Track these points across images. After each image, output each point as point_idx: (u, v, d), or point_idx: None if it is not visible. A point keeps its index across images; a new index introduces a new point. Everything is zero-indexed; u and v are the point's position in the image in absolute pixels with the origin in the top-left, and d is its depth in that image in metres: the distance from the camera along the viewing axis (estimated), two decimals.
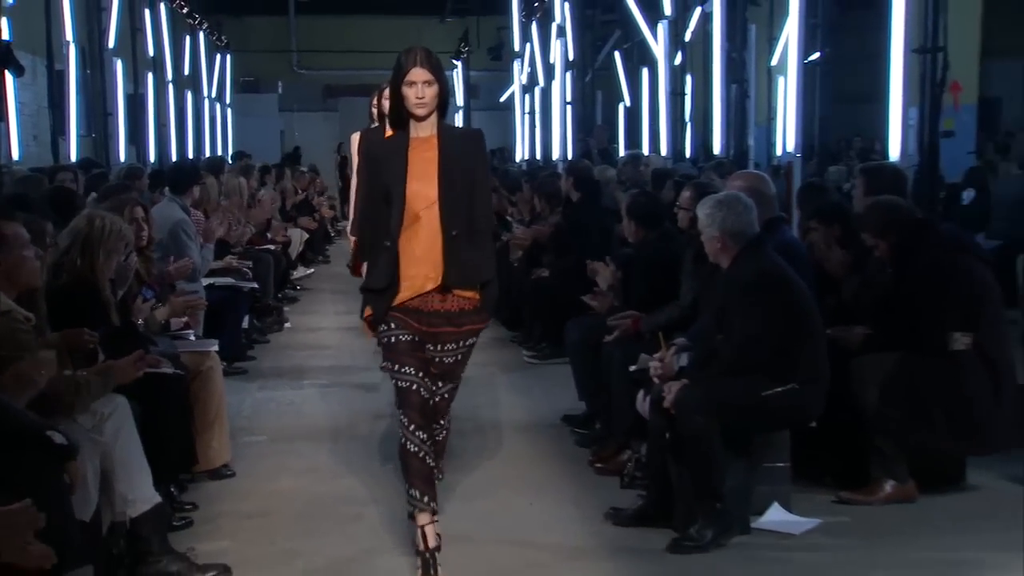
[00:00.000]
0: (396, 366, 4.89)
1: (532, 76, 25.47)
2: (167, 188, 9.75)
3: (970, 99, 15.87)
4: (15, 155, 12.89)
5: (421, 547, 4.81)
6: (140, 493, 4.62)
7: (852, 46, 15.31)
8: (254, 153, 21.93)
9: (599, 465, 6.50)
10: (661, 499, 5.54)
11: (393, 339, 4.90)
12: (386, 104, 5.97)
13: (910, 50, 10.83)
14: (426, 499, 4.82)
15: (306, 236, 15.09)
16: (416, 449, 4.83)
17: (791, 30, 14.12)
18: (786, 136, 15.11)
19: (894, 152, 11.50)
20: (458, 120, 26.12)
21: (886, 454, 5.92)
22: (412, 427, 4.84)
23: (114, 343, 5.16)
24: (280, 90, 32.30)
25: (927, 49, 10.63)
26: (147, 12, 20.84)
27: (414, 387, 4.86)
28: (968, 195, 13.13)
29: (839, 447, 6.03)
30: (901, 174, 7.72)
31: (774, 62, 17.38)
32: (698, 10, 18.23)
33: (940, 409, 5.92)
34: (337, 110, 29.58)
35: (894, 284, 6.16)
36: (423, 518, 4.83)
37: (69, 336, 4.92)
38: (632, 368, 6.15)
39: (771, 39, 17.34)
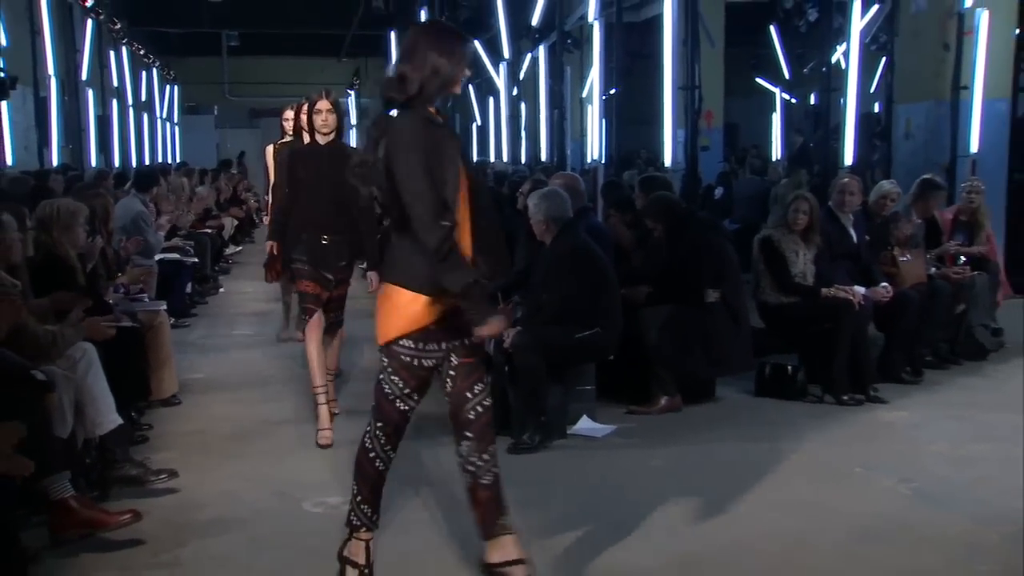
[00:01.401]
0: (401, 384, 3.45)
1: None
2: (132, 186, 9.67)
3: (718, 124, 16.23)
4: (9, 161, 12.73)
5: (361, 561, 3.57)
6: (106, 417, 4.48)
7: (638, 84, 15.47)
8: (195, 160, 21.63)
9: None
10: (502, 415, 5.53)
11: (417, 362, 3.41)
12: (303, 119, 5.77)
13: (677, 88, 11.05)
14: (375, 518, 3.57)
15: (235, 222, 14.86)
16: (381, 466, 3.54)
17: (595, 72, 14.26)
18: (592, 148, 15.28)
19: (667, 161, 11.72)
20: (352, 135, 25.98)
21: (662, 377, 6.03)
22: (384, 441, 3.52)
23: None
24: (215, 112, 31.72)
25: (688, 87, 10.84)
26: (112, 52, 20.48)
27: (404, 408, 3.51)
28: (718, 192, 13.44)
29: (629, 373, 6.09)
30: (667, 181, 7.90)
31: (584, 94, 17.50)
32: (529, 55, 18.31)
33: (698, 344, 6.06)
34: (260, 127, 28.90)
35: (667, 256, 6.27)
36: (366, 534, 3.57)
37: (56, 299, 4.76)
38: None
39: (582, 77, 17.45)
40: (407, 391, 3.46)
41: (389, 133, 3.28)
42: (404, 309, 3.33)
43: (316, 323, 5.55)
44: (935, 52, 10.27)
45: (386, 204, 3.38)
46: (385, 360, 3.45)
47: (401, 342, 3.37)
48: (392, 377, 3.44)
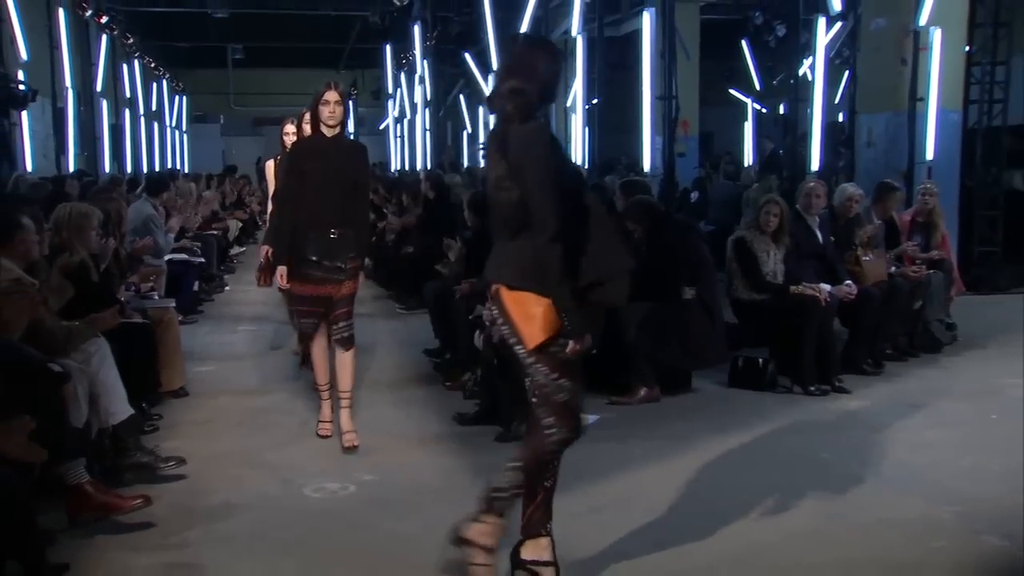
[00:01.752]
0: (566, 381, 3.27)
1: (401, 111, 25.34)
2: (143, 191, 9.63)
3: (694, 132, 16.26)
4: (29, 167, 12.79)
5: (491, 545, 3.35)
6: (118, 408, 4.47)
7: (618, 94, 15.49)
8: (202, 166, 21.64)
9: (448, 383, 6.48)
10: (491, 406, 5.54)
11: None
12: (306, 128, 5.47)
13: (655, 98, 11.10)
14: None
15: (240, 224, 14.80)
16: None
17: (578, 83, 14.28)
18: (576, 154, 15.30)
19: (647, 167, 11.76)
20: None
21: (641, 370, 6.02)
22: (568, 445, 3.35)
23: (95, 299, 4.96)
24: (221, 121, 31.69)
25: (666, 97, 10.87)
26: (124, 65, 20.51)
27: (577, 408, 3.35)
28: (694, 196, 13.46)
29: (611, 366, 6.07)
30: (646, 185, 7.91)
31: (568, 104, 17.48)
32: None
33: (675, 338, 6.06)
34: (263, 135, 28.90)
35: (646, 255, 6.26)
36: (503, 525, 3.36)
37: (96, 321, 4.62)
38: (471, 316, 6.14)
39: (566, 88, 17.43)
40: (574, 386, 3.29)
41: (514, 141, 3.20)
42: (545, 314, 3.19)
43: (321, 331, 5.26)
44: (894, 66, 10.33)
45: (508, 211, 3.25)
46: (544, 367, 3.25)
47: (558, 341, 3.21)
48: (557, 381, 3.25)
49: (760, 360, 6.42)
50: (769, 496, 4.39)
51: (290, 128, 6.64)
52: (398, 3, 18.10)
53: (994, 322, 8.49)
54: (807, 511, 4.22)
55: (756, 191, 10.86)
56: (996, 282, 10.46)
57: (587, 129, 14.42)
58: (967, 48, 10.66)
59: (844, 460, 4.86)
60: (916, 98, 10.33)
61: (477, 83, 19.94)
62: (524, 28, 15.88)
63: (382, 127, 29.28)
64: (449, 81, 23.74)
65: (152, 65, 23.84)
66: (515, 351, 3.33)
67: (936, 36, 10.17)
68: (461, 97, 24.34)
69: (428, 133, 22.10)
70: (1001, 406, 5.90)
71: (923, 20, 10.13)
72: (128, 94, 20.90)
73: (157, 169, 21.83)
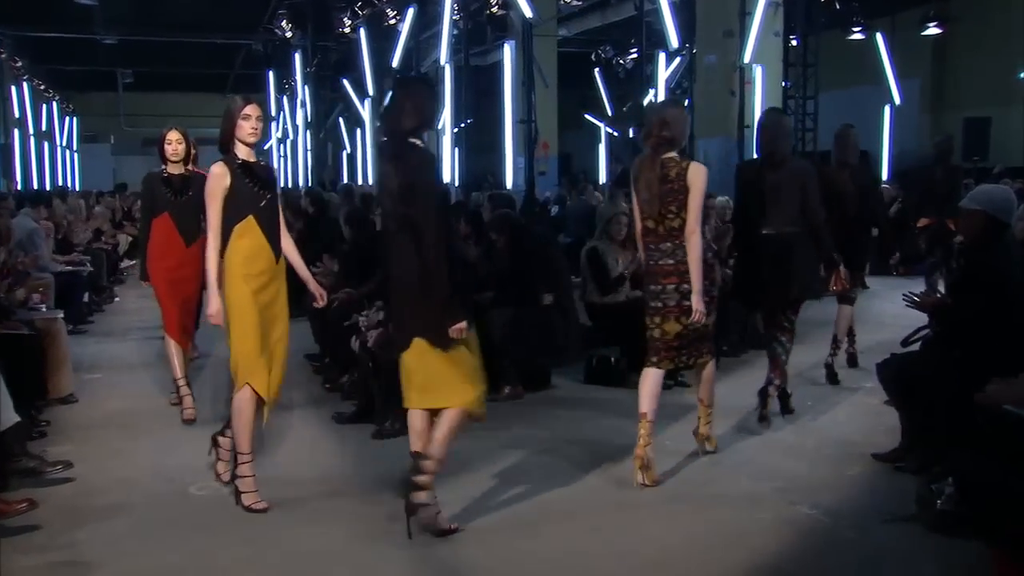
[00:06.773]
0: None
1: (284, 132, 24.88)
2: (25, 205, 9.16)
3: (554, 152, 16.50)
4: None
5: None
6: (4, 415, 4.20)
7: (486, 118, 15.59)
8: (93, 184, 20.78)
9: (328, 385, 6.38)
10: (367, 405, 5.48)
11: None
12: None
13: (517, 121, 11.21)
14: None
15: (129, 239, 14.19)
16: None
17: (447, 107, 14.29)
18: (446, 172, 15.31)
19: (509, 184, 11.86)
20: None
21: (506, 369, 6.03)
22: None
23: None
24: (112, 141, 30.43)
25: (526, 121, 11.00)
26: (13, 87, 19.44)
27: None
28: (555, 210, 13.64)
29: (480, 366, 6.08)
30: (511, 197, 7.97)
31: (439, 126, 17.50)
32: (390, 92, 18.20)
33: (536, 340, 6.11)
34: (153, 155, 27.71)
35: (509, 264, 6.31)
36: None
37: None
38: (347, 323, 6.05)
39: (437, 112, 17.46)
40: None
41: None
42: None
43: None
44: (724, 97, 10.76)
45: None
46: None
47: None
48: None
49: (612, 358, 6.52)
50: (619, 478, 4.48)
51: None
52: (280, 33, 17.75)
53: (810, 321, 8.86)
54: (652, 490, 4.31)
55: (607, 206, 11.07)
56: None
57: (456, 149, 14.46)
58: (784, 84, 11.23)
59: (683, 446, 4.97)
60: (744, 125, 10.79)
61: (355, 107, 19.76)
62: (396, 58, 15.85)
63: (266, 147, 28.63)
64: (328, 105, 23.43)
65: (42, 87, 22.71)
66: None
67: (758, 73, 10.66)
68: (340, 120, 24.02)
69: (309, 153, 21.77)
70: (815, 394, 6.18)
71: (747, 58, 10.60)
72: (17, 114, 19.86)
73: (48, 187, 20.79)
